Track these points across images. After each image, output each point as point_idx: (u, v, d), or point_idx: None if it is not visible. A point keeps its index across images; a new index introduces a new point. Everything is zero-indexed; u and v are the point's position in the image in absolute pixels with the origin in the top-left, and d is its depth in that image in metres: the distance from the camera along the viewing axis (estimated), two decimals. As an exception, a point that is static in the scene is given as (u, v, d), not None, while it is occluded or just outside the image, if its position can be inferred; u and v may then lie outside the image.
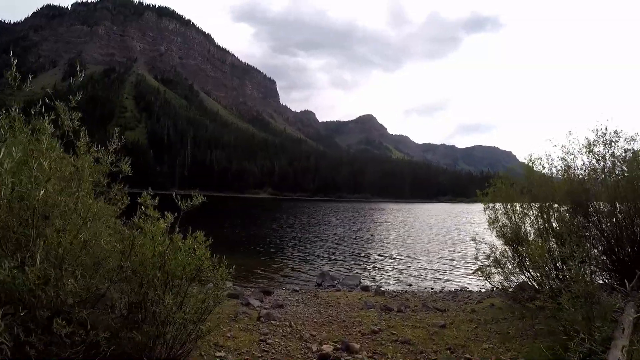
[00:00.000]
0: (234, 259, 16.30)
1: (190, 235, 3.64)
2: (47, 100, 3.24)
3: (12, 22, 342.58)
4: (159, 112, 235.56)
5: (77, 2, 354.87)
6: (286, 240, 25.90)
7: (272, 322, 6.80)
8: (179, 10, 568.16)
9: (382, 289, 11.87)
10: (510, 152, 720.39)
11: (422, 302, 9.30)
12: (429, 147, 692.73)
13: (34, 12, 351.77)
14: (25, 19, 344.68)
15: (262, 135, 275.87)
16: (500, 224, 7.69)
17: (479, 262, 7.32)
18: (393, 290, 11.82)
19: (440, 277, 15.17)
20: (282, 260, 18.30)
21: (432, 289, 12.79)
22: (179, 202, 3.62)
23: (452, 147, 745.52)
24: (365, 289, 11.72)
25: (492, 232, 7.91)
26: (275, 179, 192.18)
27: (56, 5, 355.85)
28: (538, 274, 6.43)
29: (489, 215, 8.03)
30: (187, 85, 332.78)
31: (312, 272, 15.63)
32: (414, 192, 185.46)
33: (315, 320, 7.28)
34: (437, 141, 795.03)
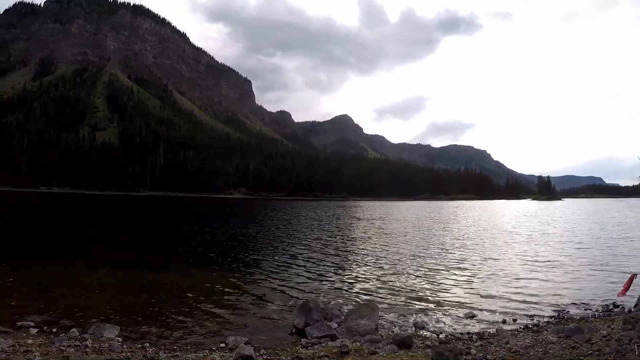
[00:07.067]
0: (142, 272, 12.13)
1: None
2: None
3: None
4: (131, 112, 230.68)
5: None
6: (247, 246, 20.02)
7: None
8: (154, 9, 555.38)
9: (435, 333, 7.01)
10: (484, 151, 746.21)
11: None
12: (404, 147, 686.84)
13: (5, 9, 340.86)
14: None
15: (237, 135, 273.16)
16: None
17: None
18: (455, 335, 7.01)
19: (487, 294, 10.46)
20: (232, 277, 11.94)
21: (514, 321, 8.13)
22: None
23: (428, 146, 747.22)
24: (405, 343, 5.91)
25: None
26: (250, 179, 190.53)
27: (29, 3, 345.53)
28: None
29: None
30: (162, 85, 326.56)
31: (284, 300, 9.59)
32: (391, 190, 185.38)
33: None
34: (412, 141, 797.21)
